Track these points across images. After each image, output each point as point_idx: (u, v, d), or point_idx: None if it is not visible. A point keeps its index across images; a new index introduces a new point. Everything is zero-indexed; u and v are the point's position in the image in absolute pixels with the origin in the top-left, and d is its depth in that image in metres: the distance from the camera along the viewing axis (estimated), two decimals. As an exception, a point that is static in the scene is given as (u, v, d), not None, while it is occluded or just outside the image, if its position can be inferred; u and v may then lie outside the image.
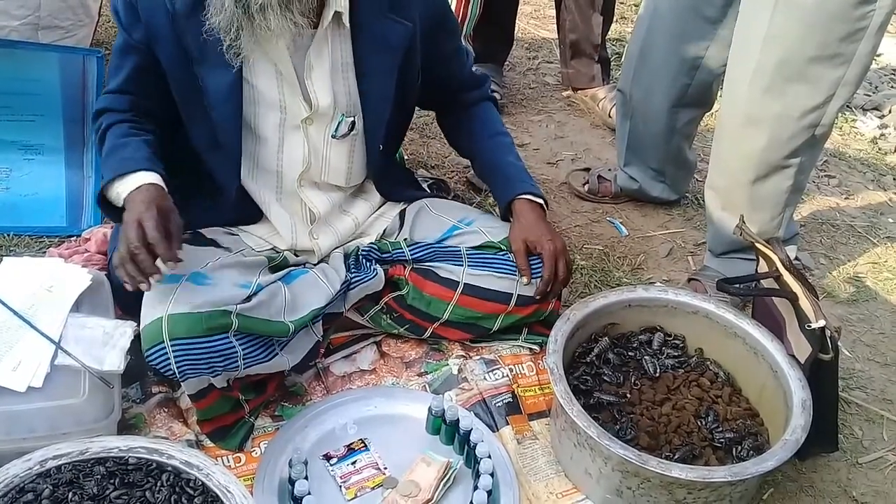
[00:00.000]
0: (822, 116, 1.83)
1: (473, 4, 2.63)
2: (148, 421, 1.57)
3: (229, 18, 1.39)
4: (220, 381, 1.50)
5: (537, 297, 1.72)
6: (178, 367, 1.42)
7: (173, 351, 1.41)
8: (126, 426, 1.55)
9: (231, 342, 1.45)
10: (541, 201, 1.77)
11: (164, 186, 1.46)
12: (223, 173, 1.62)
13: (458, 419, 1.60)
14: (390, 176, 1.86)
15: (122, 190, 1.44)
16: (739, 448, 1.61)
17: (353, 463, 1.57)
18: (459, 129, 1.89)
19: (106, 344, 1.47)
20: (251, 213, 1.70)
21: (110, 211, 1.50)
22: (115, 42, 1.55)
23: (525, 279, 1.70)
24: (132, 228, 1.36)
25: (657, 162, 2.36)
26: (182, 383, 1.49)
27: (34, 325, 1.45)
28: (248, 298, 1.49)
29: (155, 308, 1.44)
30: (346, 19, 1.51)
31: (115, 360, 1.45)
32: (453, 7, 2.62)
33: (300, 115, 1.58)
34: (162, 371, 1.44)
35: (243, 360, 1.48)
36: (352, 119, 1.63)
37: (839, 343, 1.81)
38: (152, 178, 1.45)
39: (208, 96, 1.51)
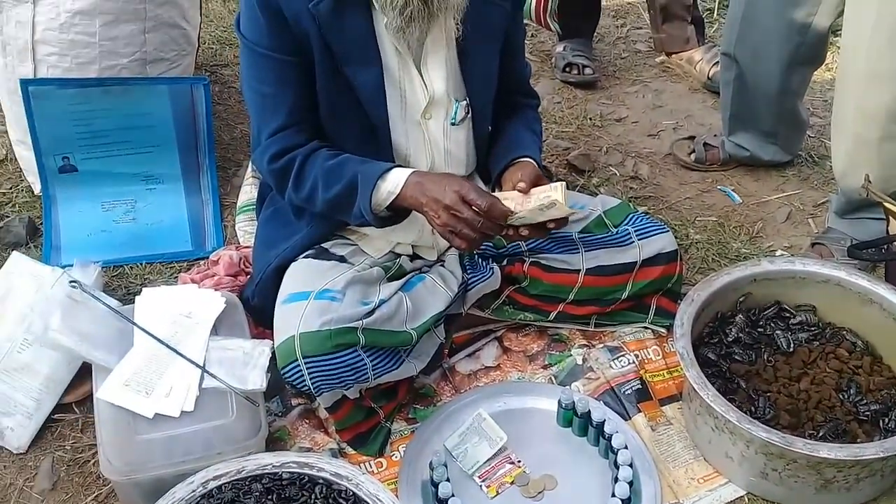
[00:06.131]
0: None
1: (557, -20, 2.59)
2: (292, 433, 1.64)
3: (405, 4, 1.40)
4: (352, 392, 1.55)
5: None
6: (312, 384, 1.48)
7: (307, 368, 1.46)
8: (272, 440, 1.62)
9: (360, 355, 1.49)
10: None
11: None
12: None
13: (589, 410, 1.61)
14: None
15: (388, 189, 1.48)
16: (887, 420, 1.55)
17: (489, 460, 1.59)
18: (497, 120, 1.75)
19: (247, 364, 1.54)
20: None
21: (383, 220, 1.53)
22: (253, 74, 1.52)
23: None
24: (451, 197, 1.42)
25: (769, 125, 2.27)
26: (318, 398, 1.55)
27: (180, 351, 1.53)
28: (371, 312, 1.52)
29: (287, 327, 1.50)
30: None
31: (257, 379, 1.52)
32: (537, -14, 2.59)
33: (419, 105, 1.58)
34: (298, 387, 1.51)
35: (372, 370, 1.52)
36: (465, 102, 1.62)
37: None
38: (407, 170, 1.50)
39: (361, 94, 1.52)
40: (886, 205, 1.70)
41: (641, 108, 2.72)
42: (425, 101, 1.58)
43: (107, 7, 1.89)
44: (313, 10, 1.44)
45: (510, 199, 1.49)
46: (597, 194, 2.28)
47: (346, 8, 1.46)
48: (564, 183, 1.49)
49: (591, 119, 2.65)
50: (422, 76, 1.56)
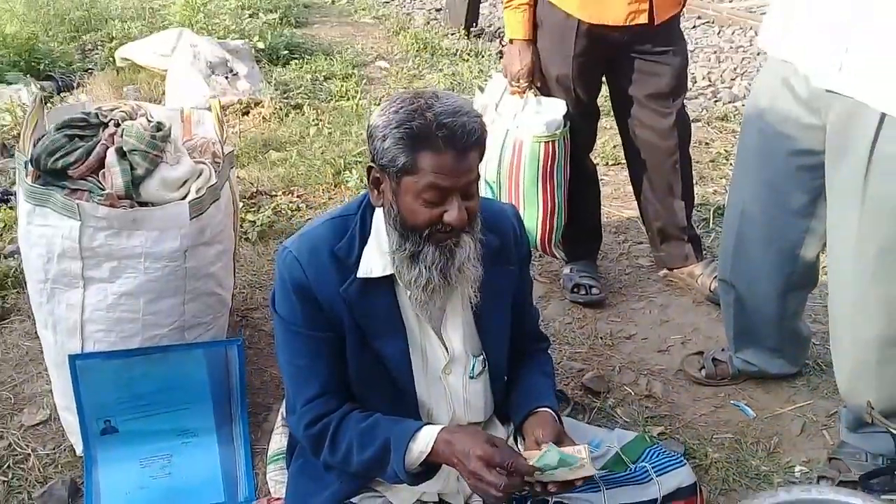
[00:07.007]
0: None
1: (558, 216, 2.79)
2: None
3: (427, 282, 1.56)
4: None
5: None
6: None
7: None
8: None
9: None
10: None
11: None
12: None
13: None
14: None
15: (419, 449, 1.57)
16: None
17: None
18: (512, 366, 1.85)
19: None
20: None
21: (415, 477, 1.61)
22: (288, 348, 1.66)
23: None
24: (475, 464, 1.49)
25: (772, 342, 2.37)
26: None
27: None
28: None
29: None
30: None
31: None
32: (538, 224, 2.79)
33: (440, 363, 1.71)
34: None
35: None
36: (482, 356, 1.75)
37: None
38: (435, 428, 1.58)
39: (389, 362, 1.66)
40: (893, 431, 1.76)
41: (649, 324, 2.85)
42: (445, 360, 1.71)
43: (150, 287, 2.09)
44: (343, 294, 1.61)
45: (534, 458, 1.57)
46: (613, 416, 2.37)
47: (371, 288, 1.63)
48: (588, 444, 1.59)
49: (601, 338, 2.77)
50: (441, 339, 1.71)
